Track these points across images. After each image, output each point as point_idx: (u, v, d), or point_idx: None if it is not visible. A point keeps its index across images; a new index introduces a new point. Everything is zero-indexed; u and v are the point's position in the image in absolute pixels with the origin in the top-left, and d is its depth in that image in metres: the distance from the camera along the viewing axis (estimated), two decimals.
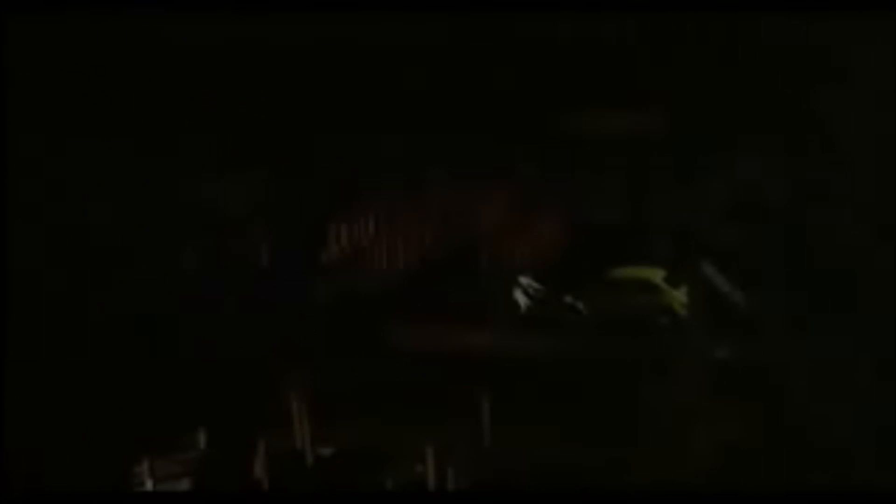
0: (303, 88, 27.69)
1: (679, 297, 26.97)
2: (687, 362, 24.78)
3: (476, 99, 27.55)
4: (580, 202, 28.30)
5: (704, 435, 22.78)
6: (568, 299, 27.29)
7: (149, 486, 22.77)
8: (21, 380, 23.68)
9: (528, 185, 28.68)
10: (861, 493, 21.23)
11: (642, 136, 27.39)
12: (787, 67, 26.96)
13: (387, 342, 26.12)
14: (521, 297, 27.56)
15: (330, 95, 27.85)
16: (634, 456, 22.61)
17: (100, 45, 26.42)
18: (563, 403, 24.21)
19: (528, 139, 27.86)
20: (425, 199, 28.82)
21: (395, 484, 22.49)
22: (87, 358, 24.76)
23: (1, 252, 25.02)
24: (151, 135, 26.64)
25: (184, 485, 22.91)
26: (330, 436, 23.48)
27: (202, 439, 23.71)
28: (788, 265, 25.94)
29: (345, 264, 28.55)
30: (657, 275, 27.24)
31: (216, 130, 26.93)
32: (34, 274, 25.48)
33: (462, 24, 27.10)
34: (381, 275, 28.55)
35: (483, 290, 27.72)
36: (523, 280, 27.65)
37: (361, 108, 27.62)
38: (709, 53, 27.37)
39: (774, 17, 26.43)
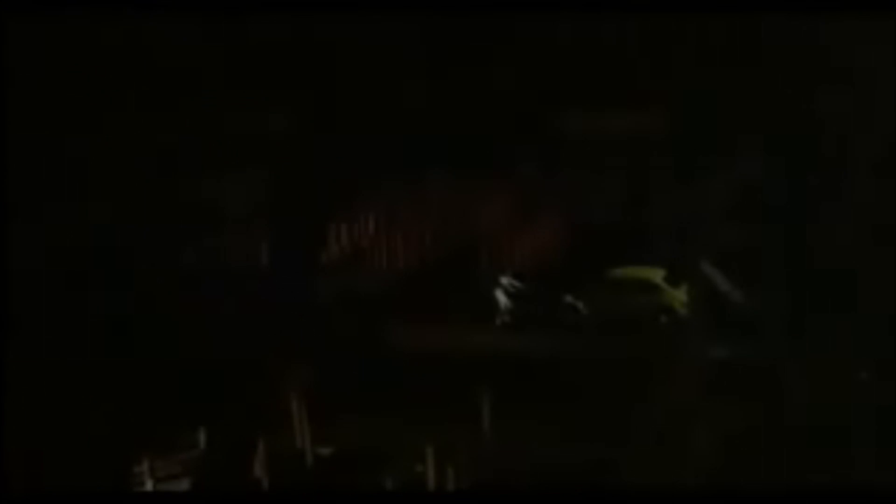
0: (303, 88, 27.68)
1: (679, 296, 26.97)
2: (687, 362, 24.76)
3: (476, 99, 27.53)
4: (580, 202, 28.30)
5: (704, 435, 22.76)
6: (568, 299, 27.29)
7: (149, 486, 22.76)
8: (21, 380, 23.65)
9: (527, 185, 28.68)
10: (861, 493, 21.22)
11: (642, 136, 27.37)
12: (788, 67, 26.94)
13: (387, 342, 26.11)
14: (501, 297, 27.58)
15: (330, 95, 27.84)
16: (634, 455, 22.59)
17: (100, 45, 26.39)
18: (564, 403, 24.19)
19: (528, 139, 27.84)
20: (425, 198, 28.81)
21: (395, 484, 22.46)
22: (87, 358, 24.73)
23: (1, 252, 24.99)
24: (151, 135, 26.61)
25: (184, 485, 22.90)
26: (330, 436, 23.46)
27: (202, 439, 23.70)
28: (788, 265, 25.93)
29: (345, 264, 28.55)
30: (657, 275, 27.25)
31: (216, 130, 26.92)
32: (34, 274, 25.44)
33: (462, 24, 27.09)
34: (381, 275, 28.55)
35: (483, 290, 27.72)
36: (504, 280, 27.69)
37: (361, 108, 27.61)
38: (709, 53, 27.36)
39: (774, 17, 26.41)
